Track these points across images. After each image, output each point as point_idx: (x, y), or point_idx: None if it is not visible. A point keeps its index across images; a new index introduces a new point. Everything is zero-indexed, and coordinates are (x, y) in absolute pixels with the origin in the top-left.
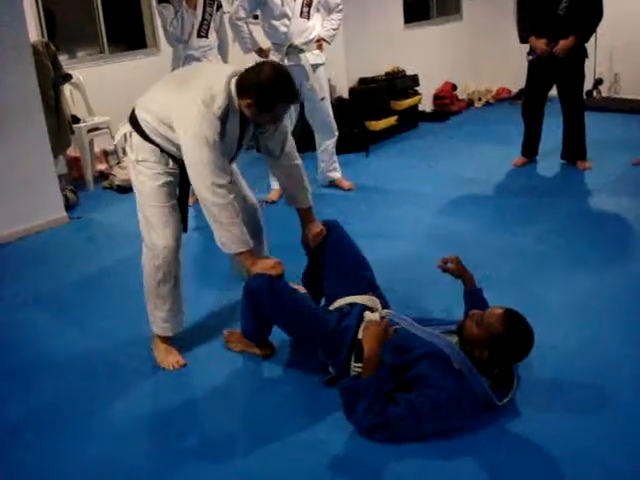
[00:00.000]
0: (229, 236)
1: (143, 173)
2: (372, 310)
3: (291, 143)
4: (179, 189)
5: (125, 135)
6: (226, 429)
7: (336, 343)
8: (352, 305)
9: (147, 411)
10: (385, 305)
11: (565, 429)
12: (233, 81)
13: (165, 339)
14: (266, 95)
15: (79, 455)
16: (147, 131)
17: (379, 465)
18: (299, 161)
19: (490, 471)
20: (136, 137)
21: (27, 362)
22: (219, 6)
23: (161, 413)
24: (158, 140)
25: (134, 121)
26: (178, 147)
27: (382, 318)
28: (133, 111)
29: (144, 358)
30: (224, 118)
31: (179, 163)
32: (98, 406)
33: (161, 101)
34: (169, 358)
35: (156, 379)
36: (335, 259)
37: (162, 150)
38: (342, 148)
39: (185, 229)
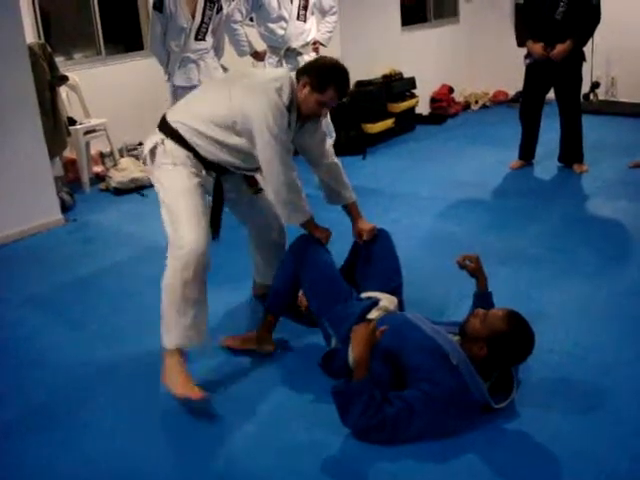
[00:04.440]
0: (297, 212)
1: (179, 171)
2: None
3: (330, 142)
4: (214, 196)
5: (156, 144)
6: (222, 429)
7: (346, 312)
8: (371, 297)
9: (143, 411)
10: (402, 310)
11: (563, 430)
12: (293, 74)
13: (180, 359)
14: (323, 73)
15: (74, 455)
16: (187, 135)
17: (374, 466)
18: (338, 159)
19: (487, 472)
20: (170, 144)
21: (22, 362)
22: (219, 9)
23: (157, 413)
24: (202, 143)
25: (167, 128)
26: (225, 147)
27: (386, 311)
28: (164, 120)
29: (139, 359)
30: (289, 109)
31: (214, 169)
32: (93, 406)
33: (216, 100)
34: (184, 388)
35: (152, 380)
36: (377, 259)
37: (196, 156)
38: (339, 151)
39: (214, 236)
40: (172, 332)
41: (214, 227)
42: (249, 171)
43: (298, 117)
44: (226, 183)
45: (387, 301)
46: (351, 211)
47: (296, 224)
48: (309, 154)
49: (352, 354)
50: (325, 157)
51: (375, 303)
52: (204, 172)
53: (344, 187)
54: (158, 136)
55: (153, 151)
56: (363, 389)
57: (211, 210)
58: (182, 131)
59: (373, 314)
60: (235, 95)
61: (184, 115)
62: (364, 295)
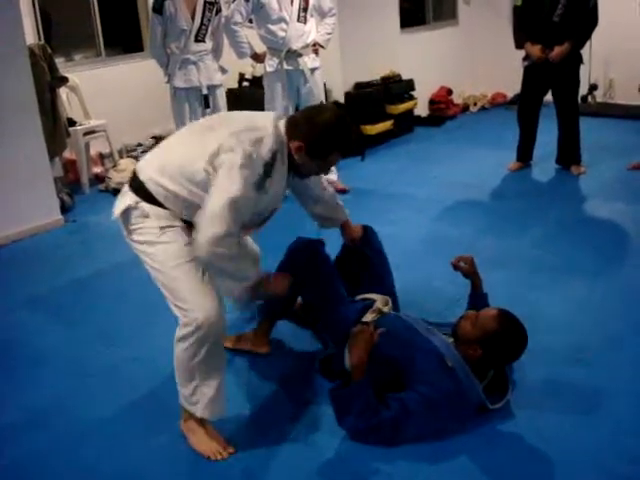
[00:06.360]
0: (237, 283)
1: (167, 235)
2: (383, 305)
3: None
4: None
5: (129, 207)
6: (218, 429)
7: (340, 316)
8: (365, 299)
9: (141, 412)
10: (397, 310)
11: (560, 432)
12: (282, 123)
13: (205, 421)
14: (322, 140)
15: (72, 456)
16: (160, 198)
17: (370, 466)
18: (330, 186)
19: (482, 473)
20: (146, 206)
21: (21, 364)
22: (218, 10)
23: (155, 415)
24: (175, 206)
25: (139, 187)
26: (199, 208)
27: (380, 313)
28: (135, 176)
29: (138, 360)
30: (270, 166)
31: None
32: (92, 407)
33: (186, 153)
34: (212, 445)
35: (150, 381)
36: (370, 263)
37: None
38: None
39: None
40: (194, 404)
41: None
42: None
43: (296, 171)
44: None
45: (381, 302)
46: (344, 227)
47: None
48: (306, 192)
49: (350, 357)
50: (322, 189)
51: (369, 305)
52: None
53: (340, 212)
54: (130, 197)
55: (127, 213)
56: (361, 392)
57: None
58: (154, 192)
59: (368, 317)
60: (209, 145)
61: (155, 171)
62: (358, 297)
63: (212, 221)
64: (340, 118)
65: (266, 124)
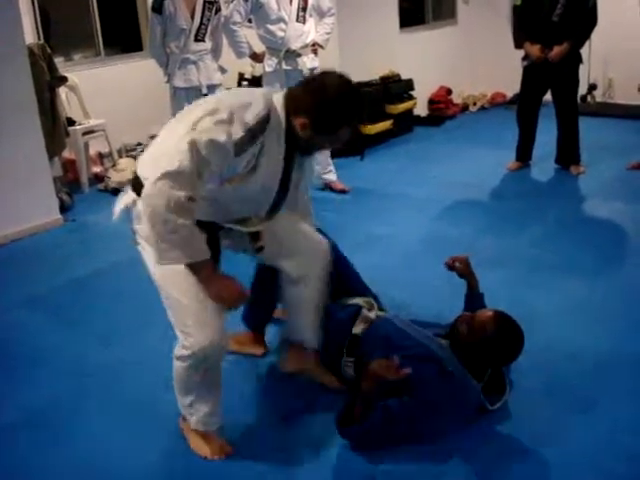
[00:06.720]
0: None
1: None
2: (369, 309)
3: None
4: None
5: (127, 206)
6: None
7: (330, 325)
8: (350, 305)
9: (139, 412)
10: (381, 309)
11: (558, 431)
12: (278, 96)
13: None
14: (329, 113)
15: (70, 455)
16: None
17: (368, 467)
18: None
19: (480, 473)
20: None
21: (19, 363)
22: (218, 9)
23: (153, 414)
24: None
25: (138, 185)
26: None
27: (369, 320)
28: (136, 176)
29: (137, 360)
30: (259, 132)
31: (201, 226)
32: (90, 407)
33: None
34: (210, 446)
35: (148, 380)
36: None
37: None
38: (337, 152)
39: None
40: (191, 416)
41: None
42: (240, 224)
43: (301, 150)
44: (225, 239)
45: (367, 307)
46: None
47: (174, 263)
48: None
49: (361, 385)
50: (303, 192)
51: (356, 312)
52: None
53: (309, 220)
54: (128, 195)
55: (128, 213)
56: (366, 412)
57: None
58: None
59: (358, 327)
60: (195, 115)
61: (149, 165)
62: (342, 302)
63: (163, 158)
64: (347, 86)
65: (256, 94)
